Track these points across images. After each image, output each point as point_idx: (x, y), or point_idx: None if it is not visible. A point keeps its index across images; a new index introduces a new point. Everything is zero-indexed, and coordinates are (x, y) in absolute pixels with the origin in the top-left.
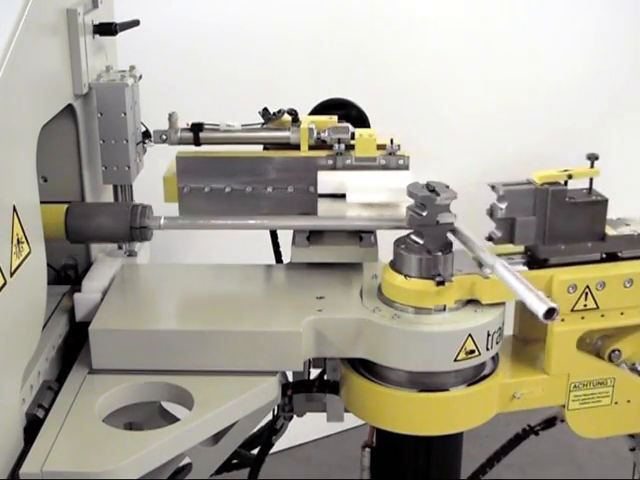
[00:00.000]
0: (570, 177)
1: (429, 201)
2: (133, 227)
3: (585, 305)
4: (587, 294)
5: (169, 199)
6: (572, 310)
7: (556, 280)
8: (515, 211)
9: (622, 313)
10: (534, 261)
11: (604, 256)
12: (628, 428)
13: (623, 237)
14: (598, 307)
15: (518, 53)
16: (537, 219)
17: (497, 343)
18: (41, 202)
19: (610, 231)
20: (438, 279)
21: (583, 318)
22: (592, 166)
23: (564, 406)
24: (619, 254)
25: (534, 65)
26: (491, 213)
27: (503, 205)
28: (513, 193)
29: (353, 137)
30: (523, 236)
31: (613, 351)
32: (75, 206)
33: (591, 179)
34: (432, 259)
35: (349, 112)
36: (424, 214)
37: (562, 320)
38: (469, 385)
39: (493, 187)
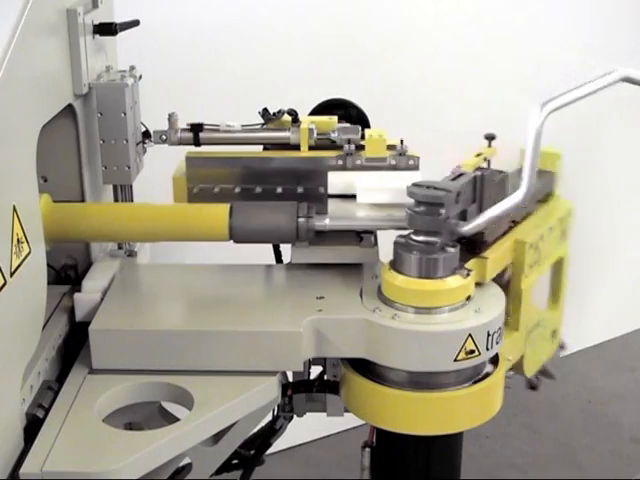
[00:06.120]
0: (485, 159)
1: (448, 200)
2: (300, 226)
3: (535, 259)
4: (537, 248)
5: (178, 199)
6: (531, 266)
7: (520, 244)
8: (465, 203)
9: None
10: (473, 246)
11: (512, 224)
12: (547, 355)
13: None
14: (540, 257)
15: (518, 52)
16: (477, 205)
17: (497, 343)
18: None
19: None
20: (466, 271)
21: (533, 270)
22: (490, 146)
23: (523, 356)
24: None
25: (533, 64)
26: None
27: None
28: (465, 186)
29: (363, 137)
30: None
31: None
32: (239, 206)
33: (489, 160)
34: (453, 255)
35: (349, 112)
36: (444, 212)
37: (526, 277)
38: (469, 385)
39: None
